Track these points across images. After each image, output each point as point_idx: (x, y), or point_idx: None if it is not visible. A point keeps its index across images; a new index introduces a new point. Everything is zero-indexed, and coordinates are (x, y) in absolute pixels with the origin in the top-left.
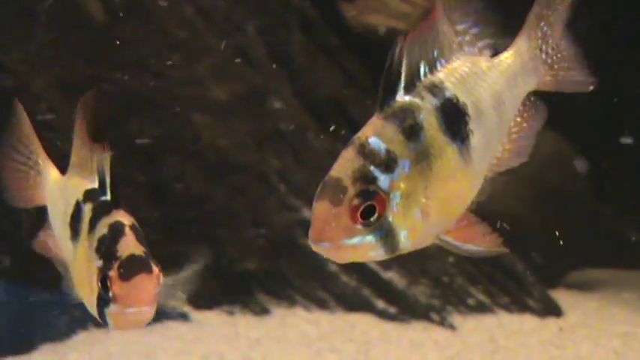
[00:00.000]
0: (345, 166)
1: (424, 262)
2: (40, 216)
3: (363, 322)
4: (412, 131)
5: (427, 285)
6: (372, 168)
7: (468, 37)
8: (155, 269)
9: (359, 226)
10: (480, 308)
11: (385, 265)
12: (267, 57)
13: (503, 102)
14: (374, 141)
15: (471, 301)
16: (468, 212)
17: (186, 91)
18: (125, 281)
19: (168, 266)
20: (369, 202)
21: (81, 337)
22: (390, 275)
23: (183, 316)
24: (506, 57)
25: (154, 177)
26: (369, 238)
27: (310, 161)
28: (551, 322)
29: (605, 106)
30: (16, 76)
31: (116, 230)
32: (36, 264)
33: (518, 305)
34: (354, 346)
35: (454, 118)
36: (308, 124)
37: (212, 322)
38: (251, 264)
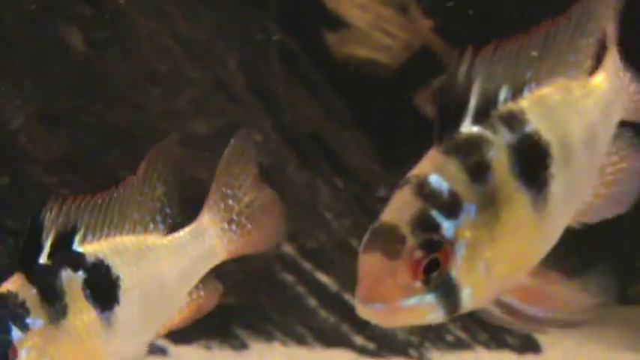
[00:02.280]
0: (401, 210)
1: None
2: None
3: (341, 358)
4: (479, 170)
5: None
6: (434, 212)
7: (583, 56)
8: None
9: (418, 284)
10: (459, 345)
11: None
12: (247, 90)
13: (597, 137)
14: (435, 179)
15: (449, 338)
16: (542, 268)
17: (165, 124)
18: None
19: None
20: (433, 255)
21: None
22: None
23: (162, 351)
24: (600, 80)
25: None
26: (429, 298)
27: (289, 195)
28: (530, 359)
29: None
30: None
31: None
32: None
33: (497, 342)
34: None
35: (531, 161)
36: (288, 158)
37: (190, 357)
38: (229, 298)
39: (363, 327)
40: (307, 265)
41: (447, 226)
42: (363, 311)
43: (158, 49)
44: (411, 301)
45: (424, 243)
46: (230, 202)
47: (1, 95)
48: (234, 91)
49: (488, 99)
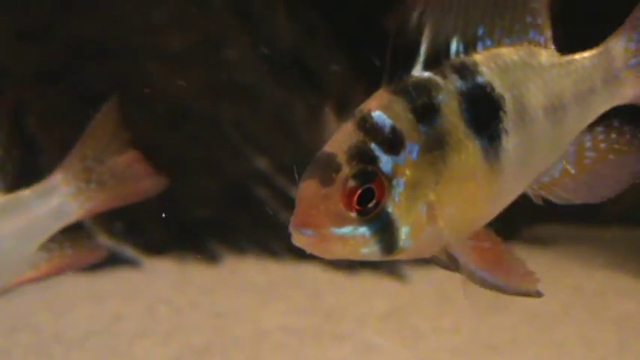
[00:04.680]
0: (341, 140)
1: None
2: None
3: (312, 271)
4: (425, 112)
5: None
6: (373, 145)
7: (541, 21)
8: None
9: (352, 214)
10: (430, 259)
11: None
12: (224, 6)
13: (564, 109)
14: (378, 115)
15: None
16: (493, 234)
17: (140, 39)
18: None
19: (120, 212)
20: (367, 185)
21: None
22: None
23: (134, 262)
24: (586, 57)
25: None
26: (363, 230)
27: (266, 111)
28: None
29: None
30: None
31: None
32: None
33: None
34: (302, 293)
35: (483, 110)
36: (264, 75)
37: (162, 269)
38: (203, 212)
39: None
40: (281, 180)
41: (384, 160)
42: (296, 238)
43: None
44: (344, 230)
45: (358, 172)
46: (90, 162)
47: None
48: (212, 6)
49: (439, 47)
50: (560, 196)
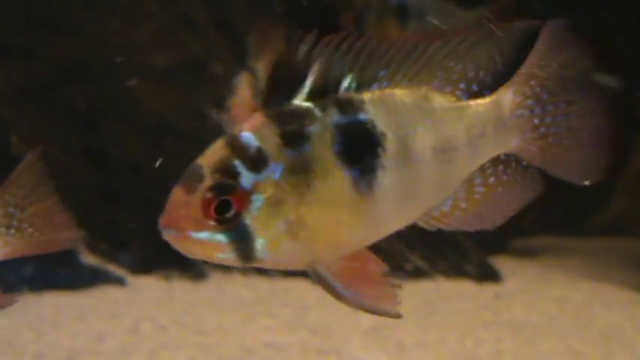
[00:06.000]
0: (210, 155)
1: None
2: None
3: (299, 288)
4: (294, 137)
5: None
6: (236, 162)
7: (456, 76)
8: None
9: (210, 221)
10: (418, 273)
11: None
12: (209, 24)
13: (454, 150)
14: (246, 135)
15: (408, 267)
16: (370, 256)
17: (125, 58)
18: None
19: (105, 231)
20: (224, 197)
21: None
22: None
23: (119, 281)
24: (480, 104)
25: (92, 142)
26: (220, 237)
27: None
28: (489, 288)
29: None
30: None
31: None
32: None
33: (457, 271)
34: (289, 310)
35: (358, 145)
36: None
37: (148, 287)
38: None
39: None
40: None
41: (246, 176)
42: (164, 235)
43: None
44: (202, 235)
45: (217, 184)
46: (11, 209)
47: None
48: (196, 24)
49: (327, 82)
50: (452, 225)
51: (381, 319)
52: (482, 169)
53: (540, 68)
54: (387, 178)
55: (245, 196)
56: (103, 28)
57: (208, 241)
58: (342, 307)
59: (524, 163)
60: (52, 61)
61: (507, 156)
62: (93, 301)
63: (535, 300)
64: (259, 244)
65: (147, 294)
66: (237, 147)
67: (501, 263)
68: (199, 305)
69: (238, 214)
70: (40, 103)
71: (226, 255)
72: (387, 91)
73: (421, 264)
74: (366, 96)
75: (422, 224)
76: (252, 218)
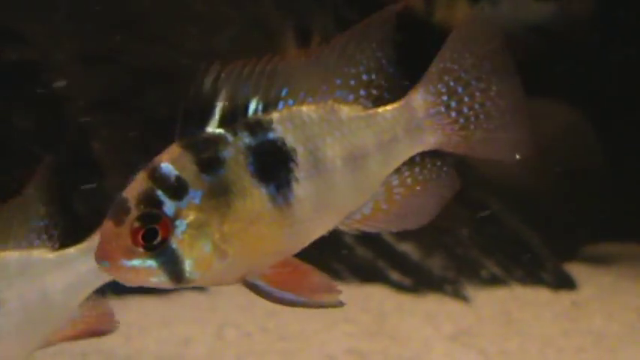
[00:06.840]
0: (134, 188)
1: (439, 235)
2: None
3: (378, 293)
4: (209, 163)
5: (441, 257)
6: (159, 192)
7: (354, 82)
8: None
9: (140, 249)
10: (494, 280)
11: (400, 237)
12: (285, 29)
13: (366, 157)
14: (165, 167)
15: (484, 274)
16: (297, 261)
17: (204, 64)
18: None
19: None
20: (150, 226)
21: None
22: (405, 247)
23: (200, 286)
24: (388, 110)
25: None
26: (150, 263)
27: None
28: (565, 296)
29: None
30: (36, 48)
31: None
32: None
33: (532, 278)
34: (368, 316)
35: (270, 162)
36: None
37: (228, 292)
38: None
39: (399, 263)
40: None
41: (168, 205)
42: (99, 267)
43: None
44: (133, 262)
45: (143, 215)
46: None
47: (40, 35)
48: (271, 29)
49: (236, 107)
50: (377, 227)
51: (460, 326)
52: (399, 171)
53: (453, 62)
54: (302, 189)
55: (169, 223)
56: (182, 35)
57: (140, 268)
58: (419, 314)
59: (438, 163)
60: (134, 67)
61: (422, 157)
62: (176, 306)
63: (613, 309)
64: (188, 265)
65: (228, 299)
66: (158, 178)
67: (574, 270)
68: (280, 311)
69: (165, 240)
70: (121, 110)
71: (159, 278)
72: (295, 108)
73: (497, 271)
74: (274, 116)
75: (344, 228)
76: (177, 242)
